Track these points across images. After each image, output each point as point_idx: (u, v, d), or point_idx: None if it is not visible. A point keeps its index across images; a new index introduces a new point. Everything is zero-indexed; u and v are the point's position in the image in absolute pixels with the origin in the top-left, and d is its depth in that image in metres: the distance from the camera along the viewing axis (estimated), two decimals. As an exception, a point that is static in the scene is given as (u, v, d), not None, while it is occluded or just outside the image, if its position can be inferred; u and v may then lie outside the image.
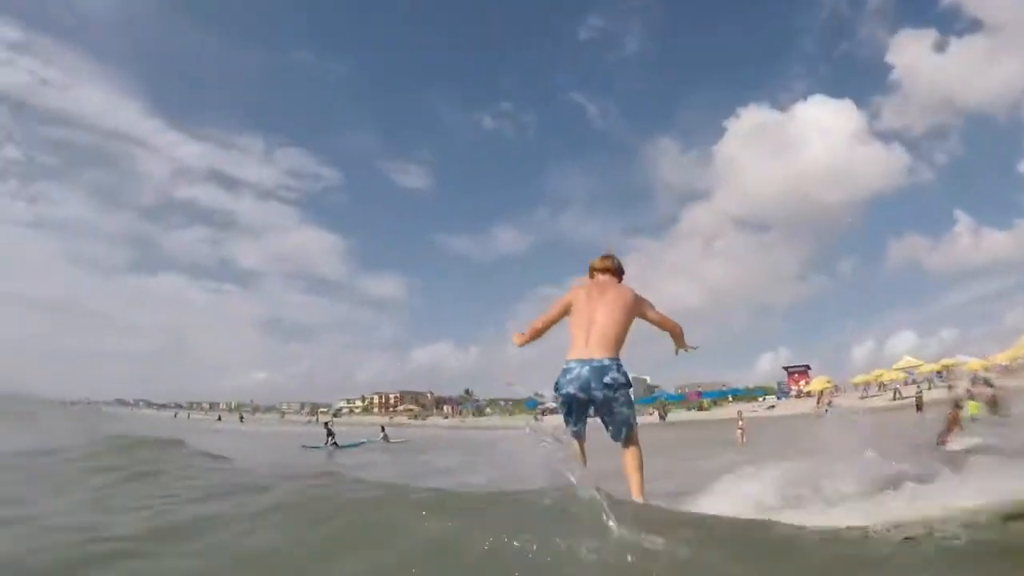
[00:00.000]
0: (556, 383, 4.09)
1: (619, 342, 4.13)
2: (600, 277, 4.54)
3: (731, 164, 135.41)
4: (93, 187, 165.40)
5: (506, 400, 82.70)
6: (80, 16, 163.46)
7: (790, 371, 64.42)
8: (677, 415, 51.11)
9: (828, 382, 51.69)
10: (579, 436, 4.14)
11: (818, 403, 43.27)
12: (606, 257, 4.64)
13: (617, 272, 4.59)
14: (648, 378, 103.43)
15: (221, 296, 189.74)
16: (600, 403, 3.96)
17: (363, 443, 16.58)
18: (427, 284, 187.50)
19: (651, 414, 61.16)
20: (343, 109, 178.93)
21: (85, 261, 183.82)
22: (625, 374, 4.03)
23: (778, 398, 57.95)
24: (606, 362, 3.97)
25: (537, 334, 4.57)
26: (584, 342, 4.09)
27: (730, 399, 61.58)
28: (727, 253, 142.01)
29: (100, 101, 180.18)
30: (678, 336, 4.68)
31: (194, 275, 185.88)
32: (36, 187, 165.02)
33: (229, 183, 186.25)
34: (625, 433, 4.04)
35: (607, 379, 3.91)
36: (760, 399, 57.87)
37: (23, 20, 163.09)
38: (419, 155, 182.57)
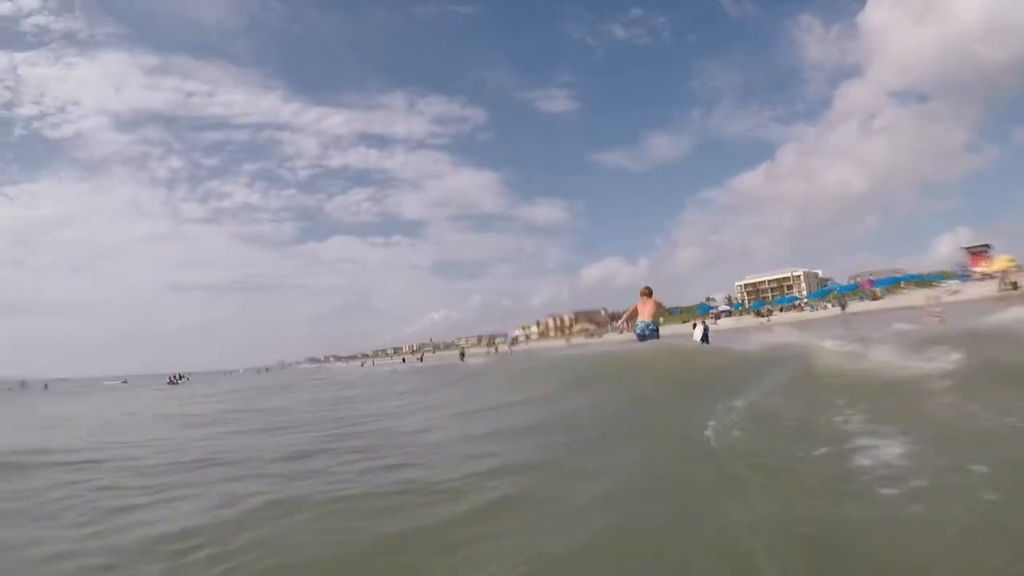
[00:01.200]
0: (636, 329, 11.65)
1: (657, 317, 11.79)
2: (644, 296, 11.76)
3: (880, 33, 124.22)
4: (252, 175, 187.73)
5: (679, 308, 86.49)
6: (204, 31, 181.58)
7: (970, 251, 60.10)
8: (852, 306, 51.40)
9: (1011, 260, 49.31)
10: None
11: (1000, 284, 42.67)
12: (646, 288, 11.78)
13: (651, 293, 11.74)
14: (820, 271, 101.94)
15: (390, 249, 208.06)
16: (648, 336, 11.38)
17: None
18: (588, 203, 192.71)
19: (824, 308, 61.23)
20: (475, 48, 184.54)
21: (258, 241, 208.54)
22: (657, 327, 11.73)
23: (960, 282, 53.95)
24: (650, 321, 11.53)
25: (630, 321, 12.14)
26: (644, 316, 11.61)
27: (901, 285, 60.50)
28: (888, 130, 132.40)
29: (242, 100, 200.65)
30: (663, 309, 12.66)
31: (362, 234, 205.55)
32: (203, 187, 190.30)
33: (379, 142, 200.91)
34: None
35: (651, 328, 11.48)
36: (937, 284, 54.54)
37: (154, 46, 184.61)
38: (558, 79, 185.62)
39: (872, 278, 66.83)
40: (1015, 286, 40.73)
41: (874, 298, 55.55)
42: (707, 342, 15.60)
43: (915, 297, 45.50)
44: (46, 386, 51.61)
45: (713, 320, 66.59)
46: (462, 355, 40.26)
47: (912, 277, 64.86)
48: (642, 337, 11.62)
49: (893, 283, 62.55)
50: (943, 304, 21.16)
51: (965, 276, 56.97)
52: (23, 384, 52.36)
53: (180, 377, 48.69)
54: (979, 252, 58.85)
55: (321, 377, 33.89)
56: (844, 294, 62.56)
